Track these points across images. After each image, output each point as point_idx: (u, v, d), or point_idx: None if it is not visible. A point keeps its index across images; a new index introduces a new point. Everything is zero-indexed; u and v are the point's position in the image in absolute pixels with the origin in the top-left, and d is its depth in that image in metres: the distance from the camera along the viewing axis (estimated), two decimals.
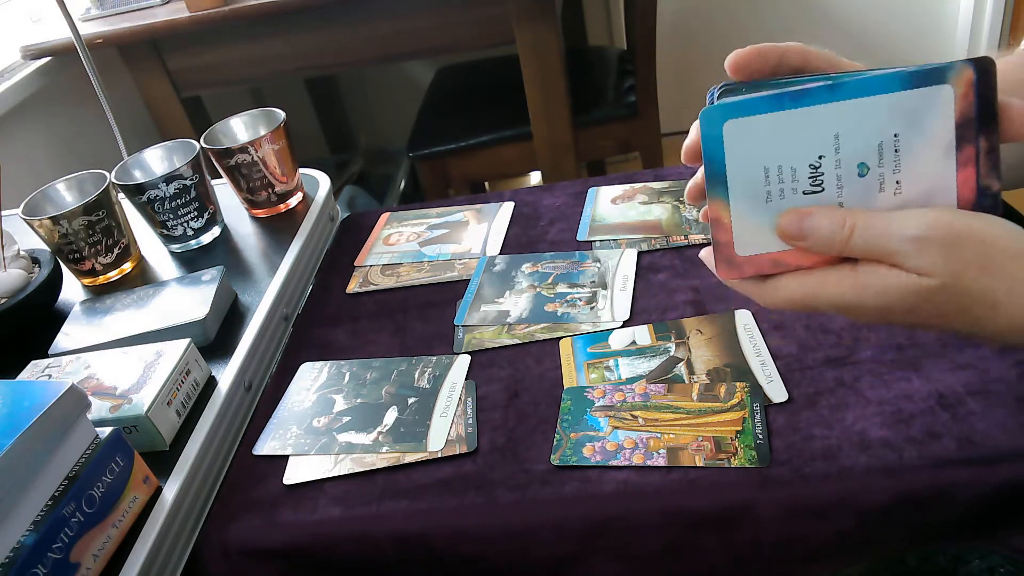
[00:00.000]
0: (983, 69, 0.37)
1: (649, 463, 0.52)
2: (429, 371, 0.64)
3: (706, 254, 0.44)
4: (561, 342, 0.64)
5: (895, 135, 0.39)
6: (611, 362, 0.61)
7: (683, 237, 0.74)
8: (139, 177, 0.83)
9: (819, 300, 0.40)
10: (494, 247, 0.79)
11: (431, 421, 0.59)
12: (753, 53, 0.42)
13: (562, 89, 1.47)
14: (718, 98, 0.41)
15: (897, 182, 0.39)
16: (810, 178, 0.40)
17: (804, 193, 0.40)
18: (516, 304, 0.70)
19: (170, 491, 0.54)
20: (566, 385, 0.60)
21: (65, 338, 0.69)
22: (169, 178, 0.79)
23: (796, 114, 0.39)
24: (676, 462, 0.52)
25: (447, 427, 0.58)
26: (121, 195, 0.82)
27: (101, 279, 0.81)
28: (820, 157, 0.39)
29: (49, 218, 0.75)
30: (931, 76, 0.38)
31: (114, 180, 0.80)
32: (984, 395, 0.51)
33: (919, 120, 0.38)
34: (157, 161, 0.85)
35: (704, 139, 0.40)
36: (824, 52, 0.43)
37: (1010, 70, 0.49)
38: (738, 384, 0.56)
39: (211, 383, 0.64)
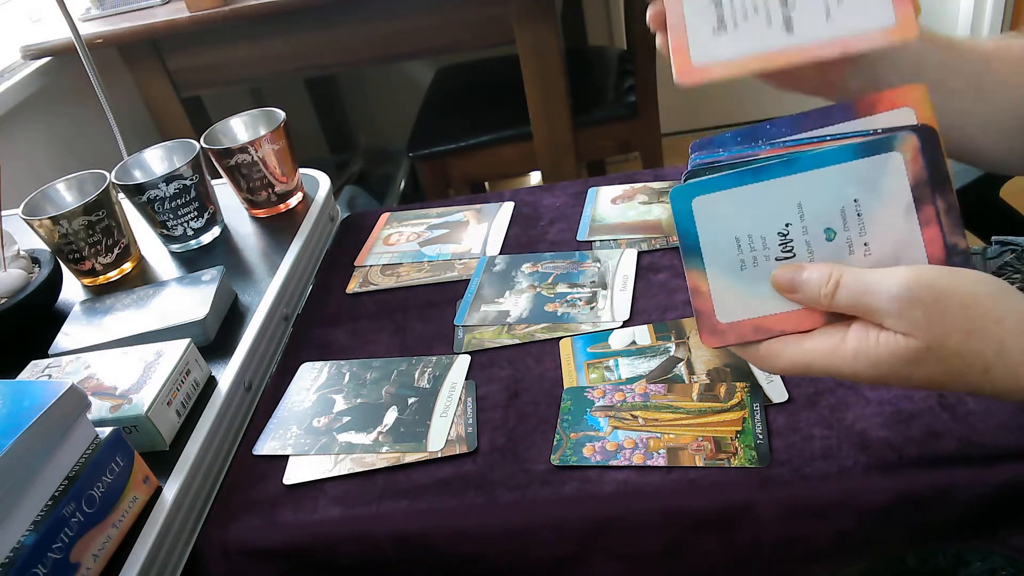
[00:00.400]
0: (926, 137, 0.39)
1: (649, 463, 0.52)
2: (429, 371, 0.64)
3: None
4: (561, 342, 0.64)
5: (855, 200, 0.41)
6: (611, 362, 0.61)
7: None
8: (139, 177, 0.83)
9: (811, 368, 0.41)
10: (494, 247, 0.79)
11: (431, 421, 0.59)
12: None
13: (562, 89, 1.47)
14: (686, 178, 0.43)
15: (865, 243, 0.41)
16: (780, 245, 0.42)
17: (776, 259, 0.42)
18: (516, 304, 0.70)
19: (170, 491, 0.54)
20: (566, 385, 0.60)
21: (65, 338, 0.69)
22: (169, 178, 0.79)
23: (758, 188, 0.41)
24: (676, 462, 0.52)
25: (447, 427, 0.58)
26: (121, 195, 0.82)
27: (101, 279, 0.81)
28: (787, 225, 0.42)
29: (49, 218, 0.75)
30: (878, 146, 0.40)
31: (114, 180, 0.80)
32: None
33: (875, 185, 0.40)
34: (157, 161, 0.85)
35: (676, 215, 0.42)
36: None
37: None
38: (738, 384, 0.56)
39: (211, 383, 0.64)
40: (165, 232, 0.83)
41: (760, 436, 0.52)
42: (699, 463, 0.51)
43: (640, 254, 0.73)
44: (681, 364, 0.59)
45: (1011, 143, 0.51)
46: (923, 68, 0.49)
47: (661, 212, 0.79)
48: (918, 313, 0.37)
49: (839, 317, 0.41)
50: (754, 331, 0.43)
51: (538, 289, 0.71)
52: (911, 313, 0.37)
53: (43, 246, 0.79)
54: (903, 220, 0.40)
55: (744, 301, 0.43)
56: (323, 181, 0.91)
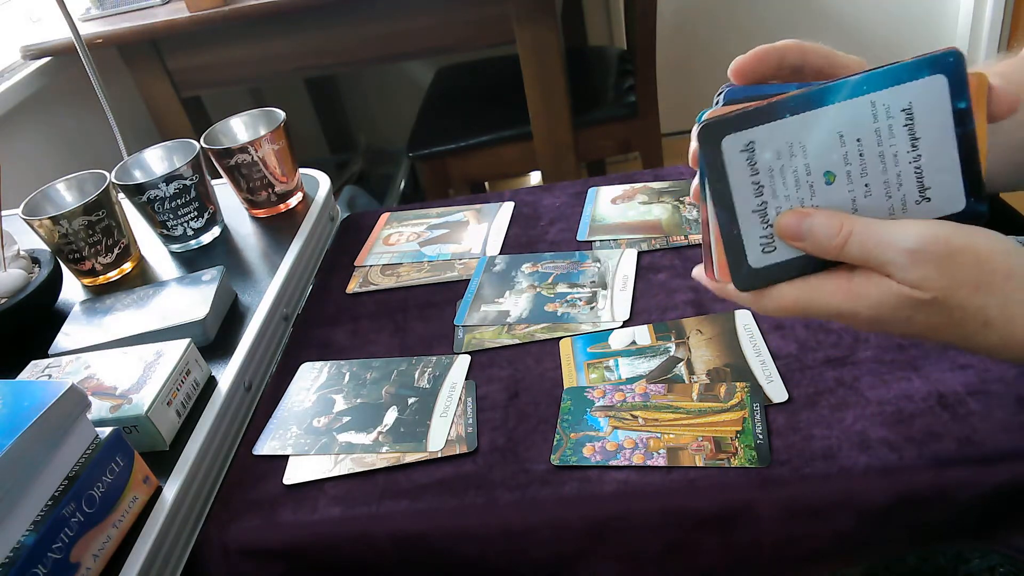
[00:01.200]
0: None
1: (649, 463, 0.52)
2: (429, 371, 0.64)
3: (698, 272, 0.45)
4: (561, 342, 0.64)
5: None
6: (611, 362, 0.61)
7: (683, 237, 0.74)
8: (139, 177, 0.83)
9: (812, 306, 0.41)
10: (494, 247, 0.79)
11: (431, 421, 0.59)
12: (754, 59, 0.42)
13: (562, 89, 1.47)
14: (719, 106, 0.42)
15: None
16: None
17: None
18: (516, 304, 0.70)
19: (170, 491, 0.54)
20: (566, 385, 0.60)
21: (65, 338, 0.69)
22: (169, 178, 0.79)
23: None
24: (676, 462, 0.51)
25: (447, 427, 0.58)
26: (121, 195, 0.82)
27: (101, 279, 0.81)
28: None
29: (49, 218, 0.75)
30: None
31: (114, 180, 0.80)
32: (984, 395, 0.51)
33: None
34: (157, 161, 0.85)
35: (703, 155, 0.41)
36: (820, 47, 0.43)
37: (1015, 71, 0.50)
38: (738, 384, 0.56)
39: (211, 383, 0.64)
40: (165, 232, 0.83)
41: (760, 436, 0.52)
42: (699, 463, 0.51)
43: (640, 254, 0.73)
44: (681, 364, 0.59)
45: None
46: None
47: (661, 212, 0.79)
48: (930, 269, 0.37)
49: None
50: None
51: (538, 289, 0.71)
52: (923, 269, 0.37)
53: (43, 246, 0.79)
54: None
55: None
56: (323, 181, 0.91)
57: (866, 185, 0.40)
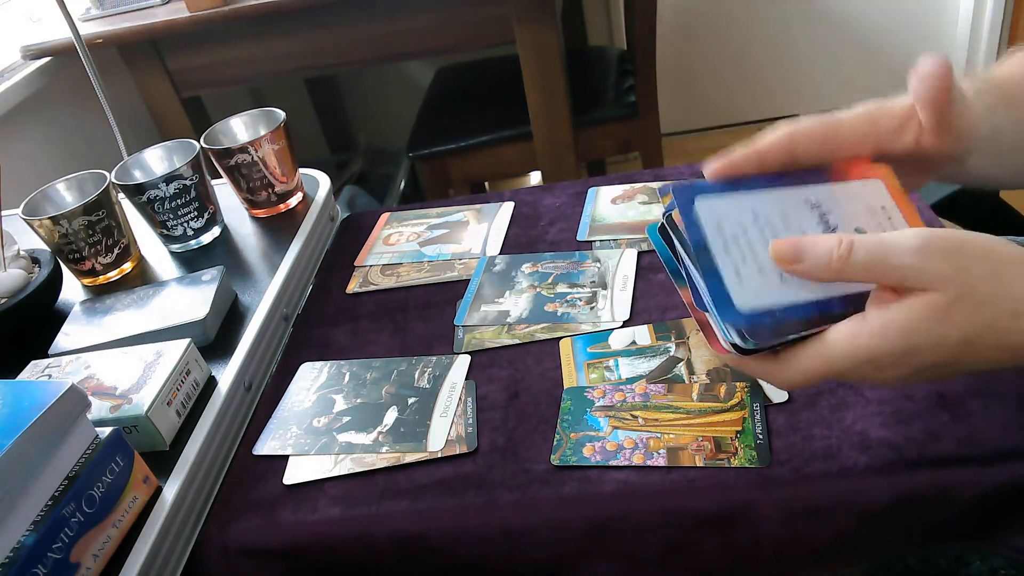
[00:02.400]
0: None
1: (649, 463, 0.52)
2: (429, 371, 0.64)
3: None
4: (561, 342, 0.64)
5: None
6: (611, 362, 0.61)
7: None
8: (139, 177, 0.83)
9: (837, 361, 0.38)
10: (494, 247, 0.79)
11: (431, 421, 0.59)
12: (728, 167, 0.42)
13: (562, 89, 1.47)
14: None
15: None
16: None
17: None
18: (516, 304, 0.70)
19: (170, 491, 0.54)
20: (566, 385, 0.60)
21: (65, 338, 0.69)
22: (169, 178, 0.79)
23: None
24: (676, 462, 0.51)
25: (447, 427, 0.58)
26: (121, 195, 0.82)
27: (101, 279, 0.81)
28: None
29: (49, 218, 0.75)
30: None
31: (114, 180, 0.80)
32: (984, 395, 0.51)
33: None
34: (157, 161, 0.85)
35: (683, 215, 0.41)
36: (812, 129, 0.43)
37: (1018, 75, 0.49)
38: (738, 384, 0.56)
39: (211, 383, 0.64)
40: (165, 232, 0.83)
41: (760, 436, 0.52)
42: (699, 463, 0.51)
43: (640, 254, 0.73)
44: (681, 364, 0.59)
45: None
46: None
47: (661, 212, 0.79)
48: (941, 262, 0.35)
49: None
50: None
51: (538, 289, 0.71)
52: (934, 264, 0.35)
53: (43, 246, 0.79)
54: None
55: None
56: (323, 181, 0.91)
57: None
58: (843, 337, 0.37)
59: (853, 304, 0.39)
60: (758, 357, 0.41)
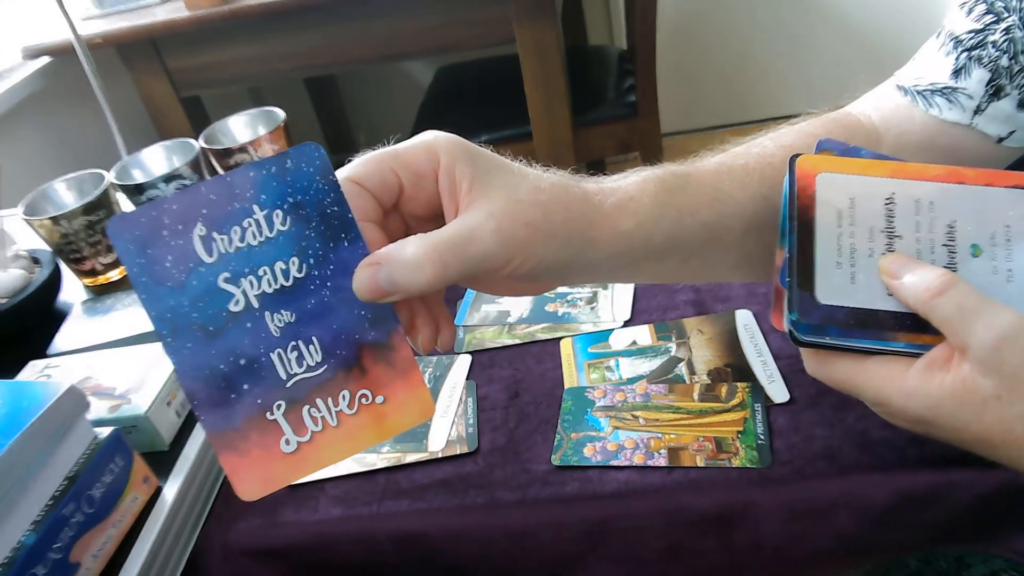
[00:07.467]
0: None
1: (650, 463, 0.52)
2: (429, 371, 0.64)
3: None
4: (562, 342, 0.64)
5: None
6: (612, 362, 0.61)
7: None
8: (139, 177, 0.83)
9: (860, 387, 0.39)
10: None
11: (431, 421, 0.59)
12: None
13: (562, 89, 1.47)
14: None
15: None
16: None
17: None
18: (517, 304, 0.70)
19: (170, 491, 0.54)
20: (567, 385, 0.60)
21: (65, 338, 0.69)
22: (169, 178, 0.79)
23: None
24: (677, 462, 0.51)
25: (448, 427, 0.58)
26: (121, 195, 0.81)
27: (101, 279, 0.81)
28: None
29: (49, 218, 0.75)
30: None
31: (114, 180, 0.80)
32: None
33: None
34: (156, 161, 0.85)
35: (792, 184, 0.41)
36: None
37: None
38: (739, 384, 0.56)
39: None
40: None
41: (761, 436, 0.52)
42: (700, 463, 0.51)
43: None
44: (682, 364, 0.59)
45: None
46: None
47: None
48: (1013, 357, 0.34)
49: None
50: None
51: None
52: (1006, 356, 0.34)
53: (43, 246, 0.79)
54: None
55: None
56: None
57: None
58: (875, 376, 0.38)
59: (914, 349, 0.39)
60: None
